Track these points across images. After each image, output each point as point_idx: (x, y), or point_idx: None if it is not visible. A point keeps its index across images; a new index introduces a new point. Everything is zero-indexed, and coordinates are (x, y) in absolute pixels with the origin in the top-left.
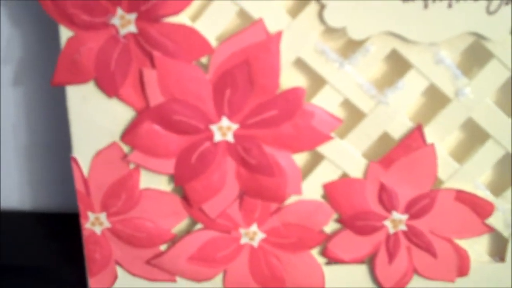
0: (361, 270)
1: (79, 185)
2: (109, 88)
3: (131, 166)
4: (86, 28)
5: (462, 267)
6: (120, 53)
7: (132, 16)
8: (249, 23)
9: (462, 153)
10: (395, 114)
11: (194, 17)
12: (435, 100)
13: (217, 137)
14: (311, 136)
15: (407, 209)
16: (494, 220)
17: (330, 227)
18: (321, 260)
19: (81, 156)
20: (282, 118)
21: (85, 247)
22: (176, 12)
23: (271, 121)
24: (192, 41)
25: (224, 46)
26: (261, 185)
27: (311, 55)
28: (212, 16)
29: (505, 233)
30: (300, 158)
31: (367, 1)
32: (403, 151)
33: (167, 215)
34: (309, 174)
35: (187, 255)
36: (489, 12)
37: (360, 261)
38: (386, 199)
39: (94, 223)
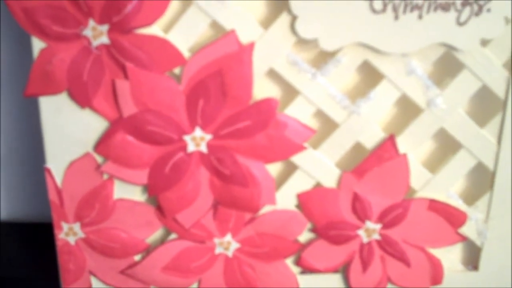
0: (336, 279)
1: (52, 196)
2: (81, 99)
3: (105, 176)
4: (58, 39)
5: (436, 276)
6: (92, 64)
7: (104, 28)
8: (221, 34)
9: (434, 163)
10: (367, 125)
11: (167, 29)
12: (407, 110)
13: (191, 147)
14: (284, 147)
15: (381, 219)
16: (467, 229)
17: (304, 236)
18: (295, 269)
19: (55, 167)
20: (255, 129)
21: (59, 257)
22: (148, 23)
23: (244, 131)
24: (165, 52)
25: (197, 57)
26: (235, 195)
27: (283, 66)
28: (185, 27)
29: (478, 242)
30: (274, 168)
31: (338, 13)
32: (375, 161)
33: (141, 225)
34: (283, 184)
35: (161, 265)
36: (459, 23)
37: (334, 270)
38: (360, 209)
39: (68, 233)
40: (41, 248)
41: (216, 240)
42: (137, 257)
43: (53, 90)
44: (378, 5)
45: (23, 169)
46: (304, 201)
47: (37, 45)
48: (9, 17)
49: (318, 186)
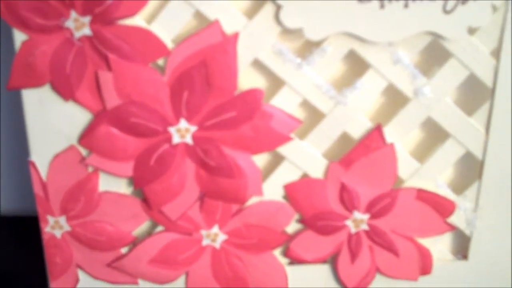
0: (324, 270)
1: (37, 189)
2: (65, 91)
3: (90, 169)
4: (40, 31)
5: (425, 266)
6: (75, 56)
7: (86, 19)
8: (205, 24)
9: (422, 152)
10: (354, 114)
11: (150, 19)
12: (394, 99)
13: (176, 139)
14: (271, 137)
15: (368, 209)
16: (456, 219)
17: (292, 227)
18: (283, 260)
19: (39, 160)
20: (241, 120)
21: (45, 250)
22: (131, 14)
23: (230, 122)
24: (148, 43)
25: (181, 48)
26: (221, 187)
27: (268, 56)
28: (168, 18)
29: (467, 231)
30: (261, 159)
31: (323, 2)
32: (362, 151)
33: (127, 218)
34: (269, 175)
35: (148, 257)
36: (446, 12)
37: (322, 261)
38: (347, 199)
39: (54, 227)
40: (27, 241)
41: (203, 232)
42: (124, 250)
43: (35, 83)
44: None
45: (9, 162)
46: (291, 192)
47: (19, 37)
48: None
49: (305, 176)
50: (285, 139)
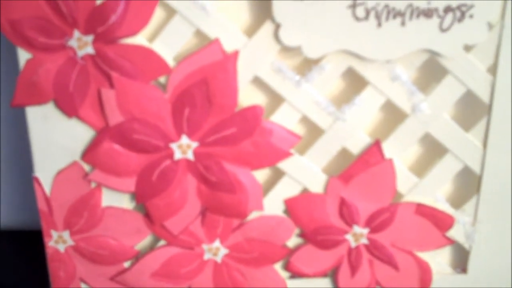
0: (324, 284)
1: (41, 204)
2: (68, 108)
3: (93, 185)
4: (44, 50)
5: (424, 279)
6: (78, 74)
7: (89, 38)
8: (206, 43)
9: (421, 167)
10: (353, 130)
11: (151, 38)
12: (393, 115)
13: (177, 155)
14: (271, 153)
15: (368, 223)
16: (455, 233)
17: (293, 241)
18: (284, 274)
19: (43, 175)
20: (241, 136)
21: (49, 264)
22: (133, 33)
23: (230, 138)
24: (150, 61)
25: (182, 66)
26: (223, 202)
27: (268, 73)
28: (169, 36)
29: (466, 245)
30: (261, 174)
31: (321, 20)
32: (362, 166)
33: (130, 233)
34: (270, 190)
35: (150, 271)
36: (442, 30)
37: (323, 275)
38: (347, 214)
39: (58, 241)
40: (31, 255)
41: (205, 246)
42: (126, 264)
43: (39, 100)
44: (360, 12)
45: (14, 177)
46: (291, 206)
47: (23, 56)
48: None
49: (305, 191)
50: (285, 154)
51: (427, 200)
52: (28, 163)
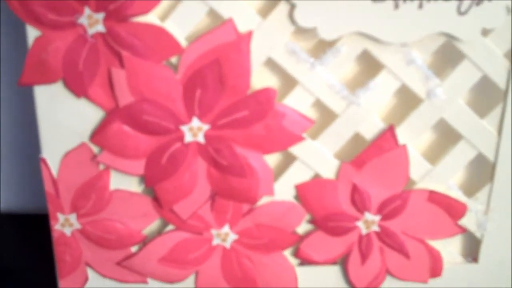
0: (334, 271)
1: (48, 186)
2: (77, 88)
3: (101, 167)
4: (54, 28)
5: (435, 268)
6: (88, 53)
7: (100, 16)
8: (219, 22)
9: (434, 154)
10: (367, 115)
11: (163, 17)
12: (407, 100)
13: (188, 137)
14: (283, 137)
15: (380, 210)
16: (467, 221)
17: (303, 228)
18: (293, 261)
19: (50, 157)
20: (253, 119)
21: (55, 248)
22: (145, 11)
23: (242, 121)
24: (162, 41)
25: (194, 46)
26: (233, 186)
27: (282, 55)
28: (182, 15)
29: (478, 233)
30: (272, 159)
31: (337, 1)
32: (375, 152)
33: (137, 217)
34: (281, 175)
35: (158, 256)
36: (460, 13)
37: (332, 262)
38: (359, 200)
39: (64, 225)
40: (37, 239)
41: (214, 232)
42: (133, 249)
43: (48, 79)
44: None
45: (20, 160)
46: (302, 192)
47: (32, 33)
48: (1, 7)
49: (316, 177)
50: (297, 139)
51: (440, 188)
52: (34, 143)
